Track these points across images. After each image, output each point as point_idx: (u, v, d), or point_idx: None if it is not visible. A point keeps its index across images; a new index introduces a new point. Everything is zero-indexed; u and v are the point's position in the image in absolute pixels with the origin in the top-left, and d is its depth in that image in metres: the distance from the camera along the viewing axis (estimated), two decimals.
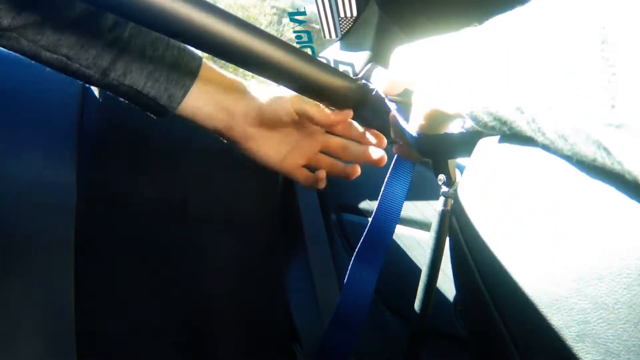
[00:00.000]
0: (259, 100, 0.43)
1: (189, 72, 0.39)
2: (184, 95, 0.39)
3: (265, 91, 0.44)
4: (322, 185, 0.47)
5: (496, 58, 0.20)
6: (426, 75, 0.29)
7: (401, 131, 0.37)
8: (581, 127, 0.14)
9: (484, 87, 0.21)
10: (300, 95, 0.42)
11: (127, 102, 0.40)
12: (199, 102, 0.41)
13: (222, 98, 0.42)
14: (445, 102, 0.26)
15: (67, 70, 0.36)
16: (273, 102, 0.43)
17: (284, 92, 0.43)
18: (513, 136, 0.21)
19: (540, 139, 0.17)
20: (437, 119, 0.29)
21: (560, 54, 0.16)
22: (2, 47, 0.34)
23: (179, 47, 0.39)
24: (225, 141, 0.45)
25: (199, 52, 0.40)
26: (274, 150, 0.45)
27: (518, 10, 0.21)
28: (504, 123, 0.20)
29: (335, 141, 0.47)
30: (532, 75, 0.17)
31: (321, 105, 0.43)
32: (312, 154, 0.47)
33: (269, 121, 0.43)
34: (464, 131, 0.30)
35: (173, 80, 0.38)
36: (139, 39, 0.37)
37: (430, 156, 0.38)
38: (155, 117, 0.42)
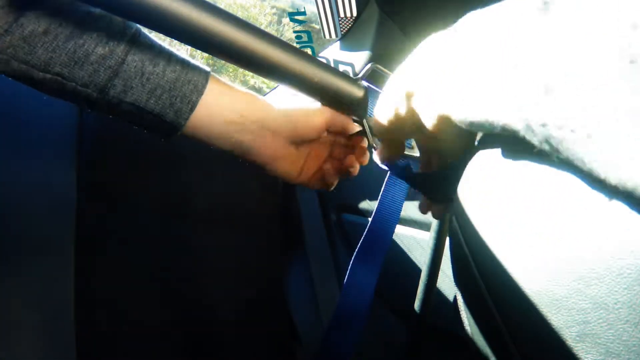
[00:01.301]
0: (289, 117, 0.40)
1: (195, 86, 0.36)
2: (191, 110, 0.36)
3: (287, 105, 0.41)
4: (331, 188, 0.46)
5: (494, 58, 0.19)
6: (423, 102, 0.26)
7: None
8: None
9: (490, 108, 0.19)
10: (324, 108, 0.40)
11: (132, 124, 0.37)
12: (211, 119, 0.37)
13: (240, 115, 0.38)
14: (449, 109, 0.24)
15: (64, 92, 0.33)
16: (303, 118, 0.40)
17: (307, 105, 0.40)
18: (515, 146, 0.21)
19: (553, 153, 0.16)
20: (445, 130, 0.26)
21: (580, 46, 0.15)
22: None
23: (182, 61, 0.36)
24: (243, 161, 0.41)
25: (205, 67, 0.38)
26: (293, 165, 0.42)
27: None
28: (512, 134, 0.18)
29: (340, 149, 0.46)
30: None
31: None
32: (322, 161, 0.46)
33: (299, 139, 0.41)
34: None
35: (177, 96, 0.35)
36: (137, 55, 0.34)
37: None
38: (162, 139, 0.39)
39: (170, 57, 0.35)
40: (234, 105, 0.38)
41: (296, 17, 0.75)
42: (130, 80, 0.34)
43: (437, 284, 0.48)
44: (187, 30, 0.31)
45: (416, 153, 0.39)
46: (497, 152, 0.24)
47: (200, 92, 0.36)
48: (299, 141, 0.41)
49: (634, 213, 0.17)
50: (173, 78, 0.35)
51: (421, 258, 0.67)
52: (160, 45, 0.36)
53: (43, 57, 0.31)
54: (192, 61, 0.37)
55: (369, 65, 0.44)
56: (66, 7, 0.32)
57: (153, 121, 0.36)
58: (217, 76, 0.39)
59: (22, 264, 0.47)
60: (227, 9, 0.33)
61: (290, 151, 0.41)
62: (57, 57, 0.31)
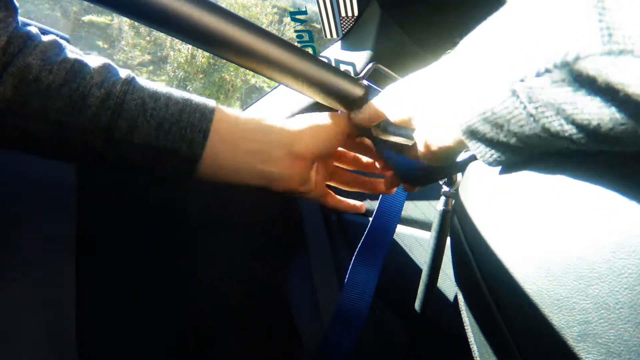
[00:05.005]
0: (314, 137, 0.38)
1: (202, 114, 0.33)
2: (204, 138, 0.33)
3: (300, 123, 0.38)
4: (363, 209, 0.44)
5: (480, 59, 0.20)
6: (422, 113, 0.28)
7: (396, 166, 0.38)
8: (580, 67, 0.14)
9: (476, 94, 0.21)
10: (338, 118, 0.39)
11: (144, 175, 0.34)
12: (232, 150, 0.34)
13: (261, 142, 0.36)
14: (446, 137, 0.25)
15: (64, 145, 0.30)
16: (324, 135, 0.38)
17: (318, 121, 0.38)
18: (511, 152, 0.21)
19: (542, 120, 0.17)
20: (443, 153, 0.28)
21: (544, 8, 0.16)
22: None
23: (184, 96, 0.34)
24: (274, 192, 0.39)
25: (209, 100, 0.35)
26: (310, 181, 0.40)
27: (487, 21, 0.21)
28: (500, 125, 0.19)
29: (348, 153, 0.44)
30: (521, 48, 0.17)
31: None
32: (331, 169, 0.44)
33: (324, 155, 0.39)
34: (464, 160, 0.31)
35: (187, 127, 0.33)
36: (135, 94, 0.31)
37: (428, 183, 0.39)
38: (176, 187, 0.35)
39: (169, 93, 0.33)
40: (253, 134, 0.35)
41: (297, 17, 0.75)
42: (134, 119, 0.31)
43: (438, 284, 0.48)
44: (189, 28, 0.32)
45: (408, 142, 0.39)
46: None
47: (209, 120, 0.33)
48: (323, 156, 0.39)
49: (634, 213, 0.17)
50: (177, 110, 0.33)
51: (422, 258, 0.67)
52: (157, 85, 0.34)
53: (37, 106, 0.29)
54: (195, 95, 0.35)
55: (371, 64, 0.44)
56: (54, 55, 0.30)
57: (169, 162, 0.33)
58: (222, 107, 0.36)
59: (23, 264, 0.47)
60: (228, 7, 0.33)
61: (309, 169, 0.39)
62: (52, 104, 0.29)
